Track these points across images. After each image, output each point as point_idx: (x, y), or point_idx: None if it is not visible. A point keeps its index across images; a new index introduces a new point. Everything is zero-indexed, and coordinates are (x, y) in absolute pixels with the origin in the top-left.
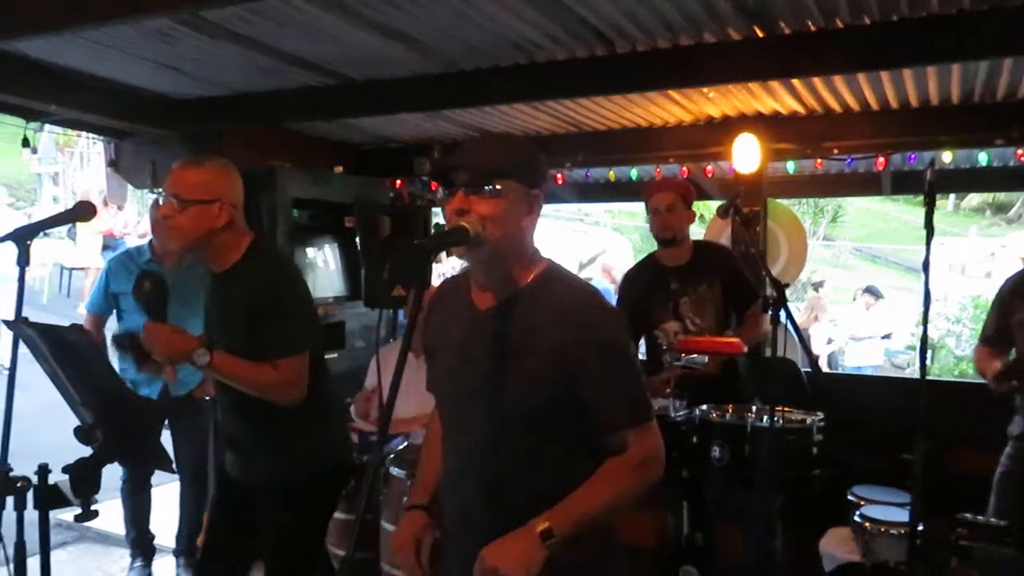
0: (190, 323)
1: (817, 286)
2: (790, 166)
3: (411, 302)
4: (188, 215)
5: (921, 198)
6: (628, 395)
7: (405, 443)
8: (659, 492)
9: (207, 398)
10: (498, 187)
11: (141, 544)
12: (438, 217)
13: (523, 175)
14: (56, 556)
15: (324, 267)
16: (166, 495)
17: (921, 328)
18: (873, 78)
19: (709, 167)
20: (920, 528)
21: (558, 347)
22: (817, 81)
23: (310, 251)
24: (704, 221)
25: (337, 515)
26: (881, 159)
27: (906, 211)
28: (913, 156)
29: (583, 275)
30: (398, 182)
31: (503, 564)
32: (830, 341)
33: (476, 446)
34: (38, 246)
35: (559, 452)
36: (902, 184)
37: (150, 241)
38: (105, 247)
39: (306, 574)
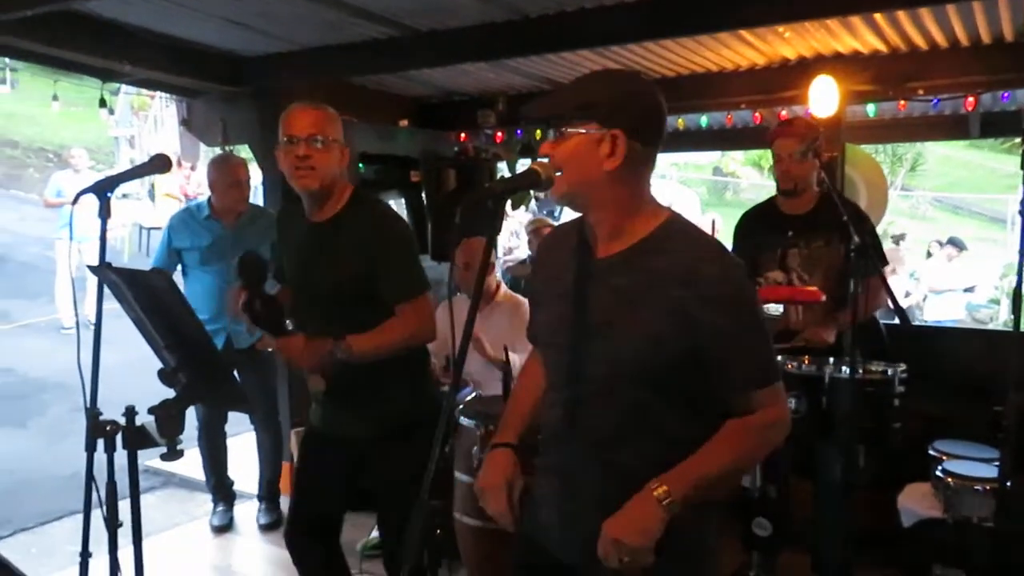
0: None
1: (898, 239)
2: (870, 109)
3: (485, 249)
4: (325, 154)
5: (1009, 143)
6: (757, 354)
7: (474, 393)
8: None
9: (269, 350)
10: (566, 129)
11: (221, 489)
12: (503, 170)
13: (597, 115)
14: (144, 500)
15: None
16: (245, 444)
17: (1015, 279)
18: (964, 9)
19: (783, 112)
20: (1009, 484)
21: (682, 301)
22: (902, 15)
23: None
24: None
25: None
26: (970, 99)
27: (991, 158)
28: (1006, 95)
29: None
30: (463, 135)
31: (624, 535)
32: (908, 295)
33: (585, 400)
34: (118, 207)
35: (673, 411)
36: (992, 126)
37: (209, 198)
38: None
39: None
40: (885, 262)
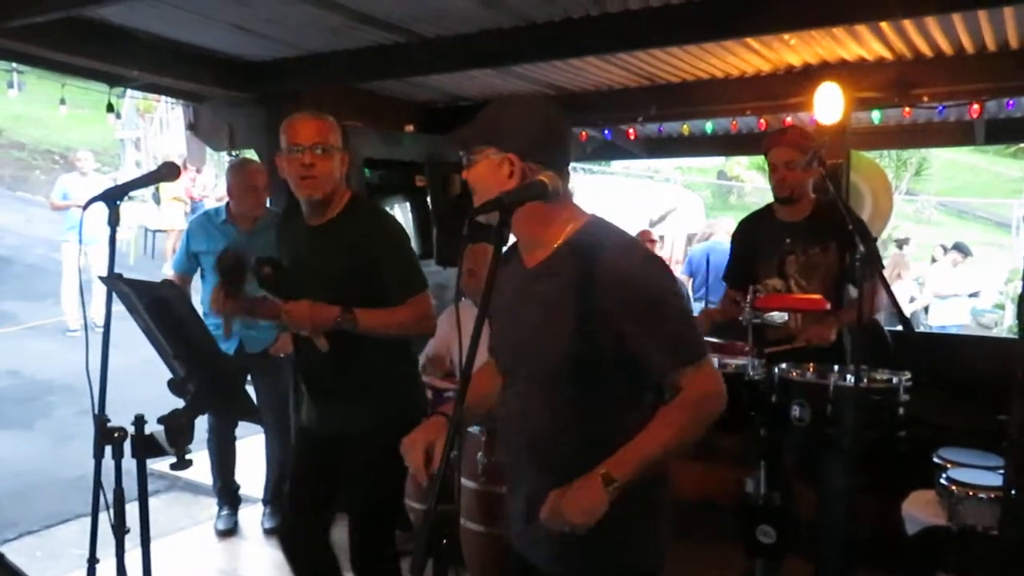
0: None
1: (901, 243)
2: (875, 116)
3: (492, 257)
4: (331, 162)
5: (1015, 148)
6: (672, 337)
7: None
8: (737, 450)
9: (282, 355)
10: (473, 156)
11: (227, 493)
12: None
13: (495, 140)
14: (149, 504)
15: None
16: (252, 447)
17: (1020, 284)
18: (969, 17)
19: (788, 119)
20: (1013, 493)
21: (599, 298)
22: (907, 23)
23: None
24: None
25: None
26: (975, 106)
27: (996, 163)
28: (1011, 102)
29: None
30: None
31: (568, 512)
32: (912, 300)
33: (523, 401)
34: (124, 210)
35: (605, 402)
36: (997, 133)
37: (227, 203)
38: (186, 212)
39: (390, 523)
40: (882, 266)
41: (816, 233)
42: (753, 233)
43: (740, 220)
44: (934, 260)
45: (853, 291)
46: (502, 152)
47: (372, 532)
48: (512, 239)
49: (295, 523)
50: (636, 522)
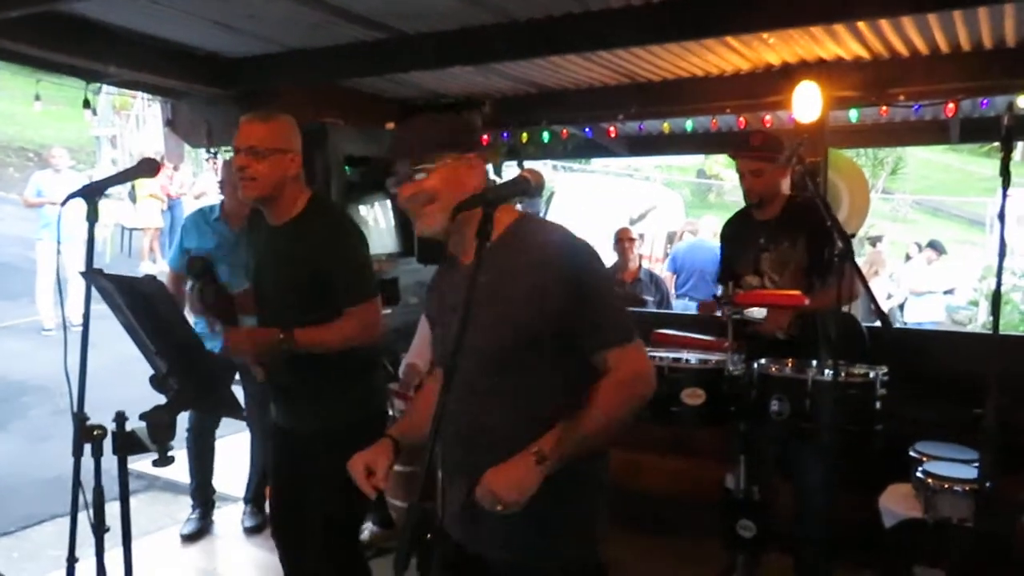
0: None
1: (875, 241)
2: (853, 114)
3: (476, 254)
4: (265, 165)
5: (988, 148)
6: (604, 319)
7: None
8: (717, 446)
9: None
10: (433, 166)
11: (202, 494)
12: (489, 173)
13: (454, 146)
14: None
15: (376, 224)
16: (235, 446)
17: (994, 281)
18: (944, 18)
19: (767, 117)
20: (988, 485)
21: (535, 286)
22: (884, 23)
23: (362, 208)
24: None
25: (396, 467)
26: (951, 105)
27: (971, 162)
28: (985, 102)
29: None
30: None
31: (498, 486)
32: (889, 296)
33: (464, 393)
34: (100, 207)
35: (542, 388)
36: (972, 132)
37: (221, 202)
38: (163, 209)
39: (353, 519)
40: (854, 260)
41: (786, 229)
42: (733, 233)
43: (724, 223)
44: (908, 258)
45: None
46: (461, 153)
47: (335, 526)
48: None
49: (280, 518)
50: (573, 502)
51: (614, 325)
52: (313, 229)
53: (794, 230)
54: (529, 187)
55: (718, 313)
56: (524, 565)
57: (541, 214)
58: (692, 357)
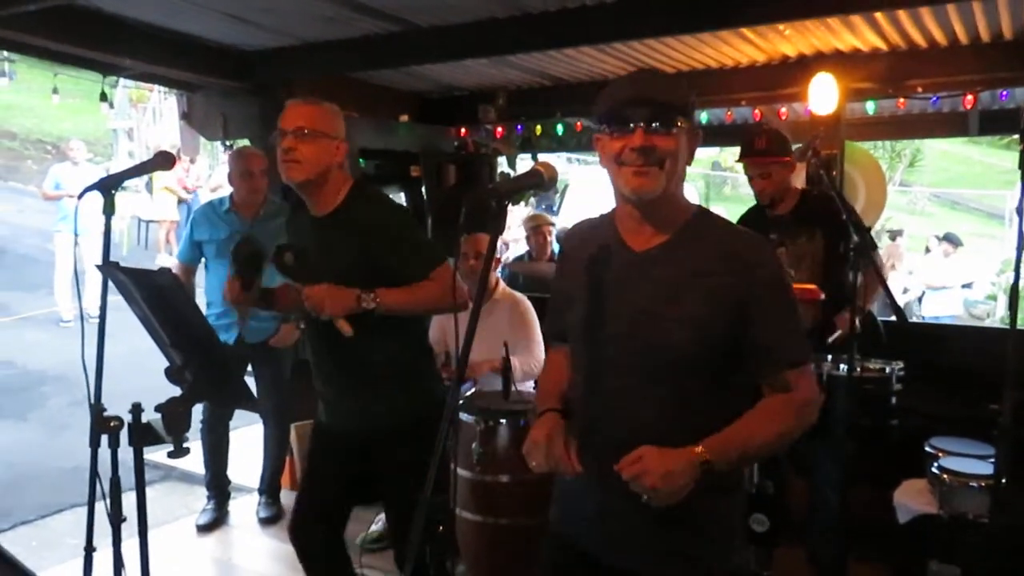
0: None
1: (895, 235)
2: (870, 106)
3: (488, 247)
4: (312, 147)
5: (1008, 140)
6: (794, 333)
7: (473, 389)
8: None
9: (282, 346)
10: (680, 124)
11: (216, 485)
12: (503, 165)
13: (691, 113)
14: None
15: None
16: (249, 437)
17: (1013, 275)
18: (964, 8)
19: (783, 109)
20: (1004, 481)
21: (728, 287)
22: (902, 14)
23: None
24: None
25: None
26: (969, 97)
27: (990, 154)
28: (1005, 93)
29: None
30: (463, 130)
31: (653, 474)
32: (906, 291)
33: (627, 390)
34: (117, 199)
35: (712, 398)
36: (991, 124)
37: (231, 193)
38: (180, 200)
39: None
40: (876, 256)
41: (801, 223)
42: None
43: (737, 220)
44: (928, 251)
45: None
46: (693, 125)
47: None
48: (595, 220)
49: (310, 522)
50: (718, 515)
51: (800, 341)
52: (360, 216)
53: (810, 224)
54: (542, 180)
55: None
56: (660, 574)
57: (555, 207)
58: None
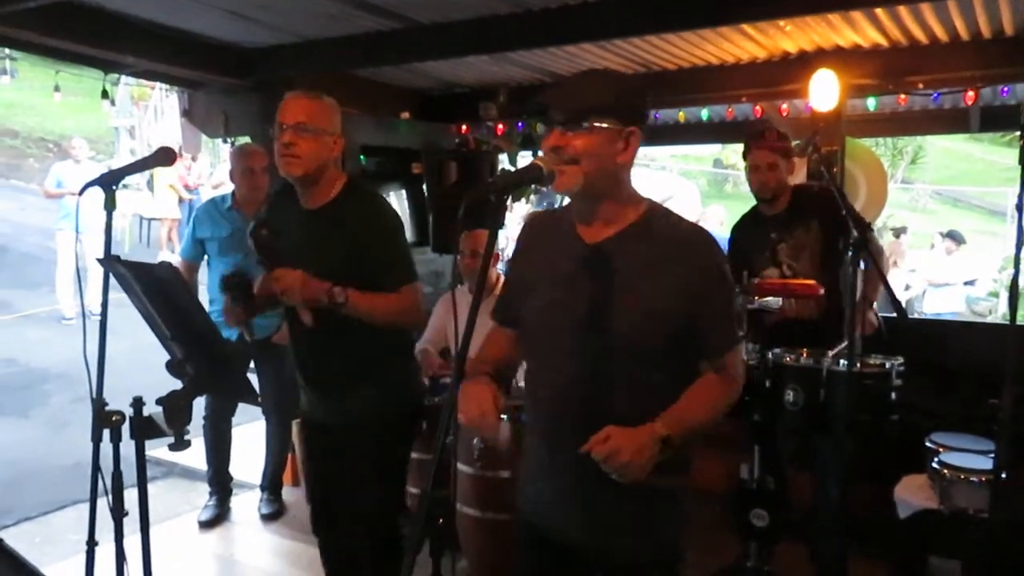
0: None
1: (899, 232)
2: (871, 103)
3: (487, 241)
4: (311, 143)
5: (1009, 136)
6: (731, 320)
7: None
8: (731, 435)
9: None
10: (593, 124)
11: (218, 481)
12: (504, 162)
13: (618, 112)
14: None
15: None
16: (251, 433)
17: (1012, 272)
18: (964, 4)
19: (784, 106)
20: (1004, 476)
21: (676, 278)
22: (902, 9)
23: None
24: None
25: (413, 455)
26: (970, 93)
27: (992, 151)
28: (1006, 90)
29: None
30: (464, 127)
31: (623, 451)
32: (907, 287)
33: (582, 377)
34: (118, 198)
35: (661, 381)
36: (992, 121)
37: (232, 191)
38: (181, 200)
39: (394, 509)
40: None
41: (796, 217)
42: (744, 235)
43: (733, 226)
44: (933, 247)
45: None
46: (622, 125)
47: (386, 521)
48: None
49: (318, 508)
50: (672, 496)
51: (736, 326)
52: (351, 213)
53: (806, 216)
54: (542, 175)
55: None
56: (619, 550)
57: (556, 204)
58: None
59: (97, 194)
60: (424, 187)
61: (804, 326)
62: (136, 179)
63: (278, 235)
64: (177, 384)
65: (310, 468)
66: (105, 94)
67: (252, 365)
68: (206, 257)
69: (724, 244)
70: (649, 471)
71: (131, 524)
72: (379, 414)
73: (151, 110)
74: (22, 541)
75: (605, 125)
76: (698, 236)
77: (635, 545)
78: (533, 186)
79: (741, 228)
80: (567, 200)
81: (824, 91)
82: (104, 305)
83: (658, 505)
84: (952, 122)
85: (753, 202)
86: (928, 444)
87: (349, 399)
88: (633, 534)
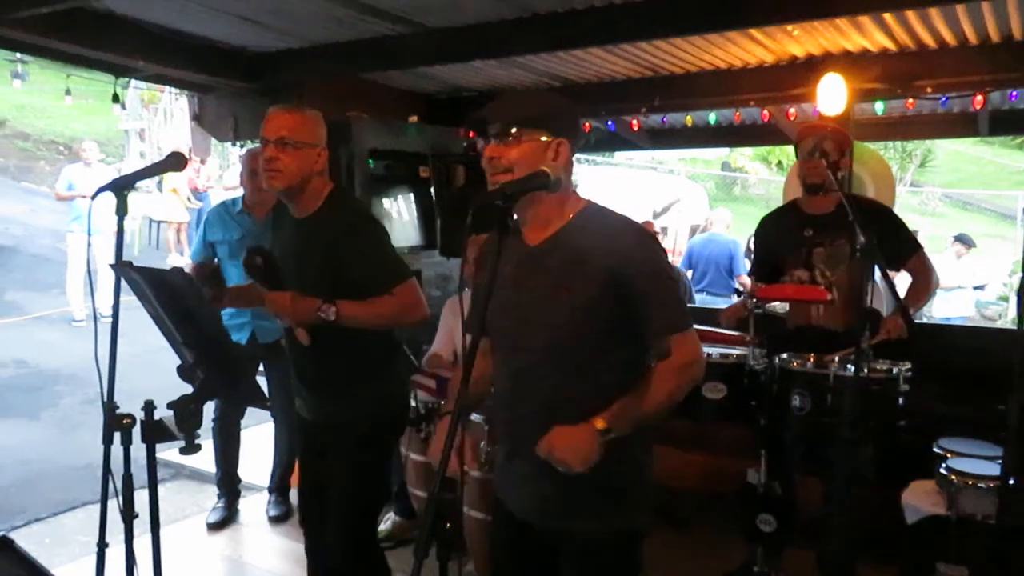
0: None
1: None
2: (879, 107)
3: (494, 247)
4: (294, 157)
5: (1020, 140)
6: (670, 305)
7: None
8: (738, 440)
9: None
10: (521, 136)
11: (227, 483)
12: None
13: (545, 124)
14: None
15: (400, 217)
16: (259, 436)
17: (1022, 276)
18: (973, 8)
19: (791, 110)
20: (1012, 482)
21: (607, 270)
22: (911, 14)
23: (386, 201)
24: (783, 168)
25: (416, 457)
26: (979, 97)
27: (1001, 154)
28: (1014, 94)
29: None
30: (472, 132)
31: (560, 449)
32: None
33: (531, 368)
34: (129, 200)
35: (606, 367)
36: (1001, 124)
37: (243, 194)
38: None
39: (373, 512)
40: (916, 244)
41: (843, 226)
42: (776, 229)
43: (762, 218)
44: (947, 251)
45: (880, 284)
46: (552, 137)
47: (353, 520)
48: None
49: (305, 507)
50: (625, 480)
51: (677, 311)
52: (331, 223)
53: (852, 227)
54: (548, 180)
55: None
56: (576, 531)
57: None
58: (713, 351)
59: (109, 198)
60: (432, 191)
61: (826, 334)
62: (146, 182)
63: (270, 261)
64: (187, 388)
65: (299, 463)
66: (116, 98)
67: (261, 368)
68: (217, 260)
69: (732, 247)
70: (593, 462)
71: (140, 526)
72: (366, 415)
73: (161, 113)
74: (32, 542)
75: (535, 137)
76: (627, 227)
77: (589, 528)
78: None
79: (772, 221)
80: None
81: (832, 95)
82: (115, 308)
83: (611, 490)
84: (961, 126)
85: (762, 207)
86: (936, 449)
87: (339, 401)
88: (587, 518)
